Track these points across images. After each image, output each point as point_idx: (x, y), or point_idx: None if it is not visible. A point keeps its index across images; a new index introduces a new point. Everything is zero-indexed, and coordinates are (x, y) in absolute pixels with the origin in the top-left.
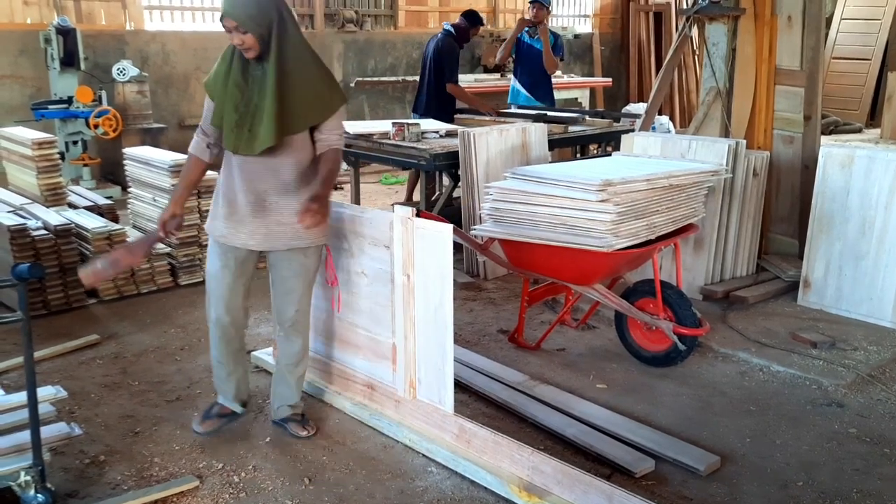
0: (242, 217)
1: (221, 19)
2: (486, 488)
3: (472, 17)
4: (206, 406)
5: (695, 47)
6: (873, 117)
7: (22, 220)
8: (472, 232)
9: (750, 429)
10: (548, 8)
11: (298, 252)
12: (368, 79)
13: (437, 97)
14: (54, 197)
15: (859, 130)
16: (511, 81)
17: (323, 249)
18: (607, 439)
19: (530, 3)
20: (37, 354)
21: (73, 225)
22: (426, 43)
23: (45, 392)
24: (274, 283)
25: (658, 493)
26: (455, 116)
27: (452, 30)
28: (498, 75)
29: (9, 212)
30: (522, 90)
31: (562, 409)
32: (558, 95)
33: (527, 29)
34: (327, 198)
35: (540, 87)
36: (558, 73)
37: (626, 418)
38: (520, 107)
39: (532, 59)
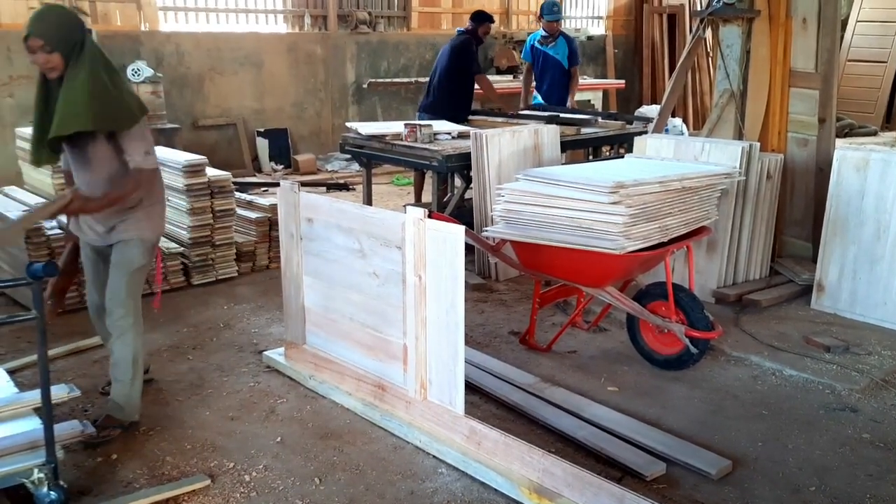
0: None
1: (26, 40)
2: (496, 490)
3: (478, 17)
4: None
5: (709, 49)
6: (889, 120)
7: None
8: (484, 233)
9: (762, 433)
10: (558, 20)
11: (118, 246)
12: (381, 80)
13: (451, 98)
14: None
15: (874, 133)
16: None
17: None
18: (618, 442)
19: (542, 17)
20: (51, 353)
21: None
22: (441, 48)
23: (59, 390)
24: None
25: (669, 496)
26: (468, 118)
27: (465, 32)
28: (511, 76)
29: (24, 211)
30: (537, 95)
31: (573, 411)
32: None
33: (541, 36)
34: (88, 206)
35: (555, 93)
36: None
37: (637, 421)
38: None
39: (547, 67)
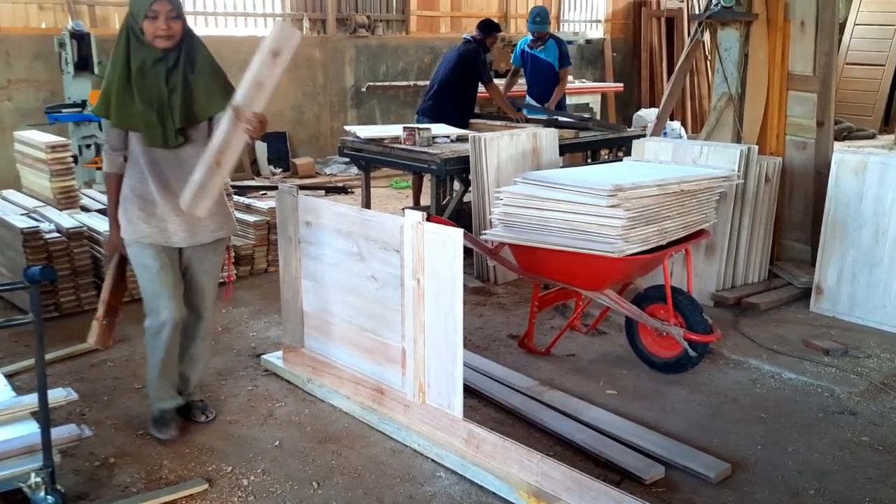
0: (163, 215)
1: (153, 4)
2: (494, 494)
3: (487, 27)
4: (158, 417)
5: (707, 53)
6: (887, 123)
7: (35, 223)
8: (483, 236)
9: (761, 436)
10: (546, 30)
11: (220, 243)
12: (380, 83)
13: (454, 103)
14: (67, 200)
15: (873, 136)
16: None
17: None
18: (617, 445)
19: (529, 31)
20: (48, 356)
21: (85, 228)
22: (445, 53)
23: (56, 394)
24: (194, 276)
25: (668, 500)
26: (469, 122)
27: (473, 41)
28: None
29: (22, 214)
30: (530, 99)
31: (572, 414)
32: (570, 101)
33: (530, 40)
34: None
35: (546, 96)
36: (569, 78)
37: (636, 424)
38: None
39: (538, 70)
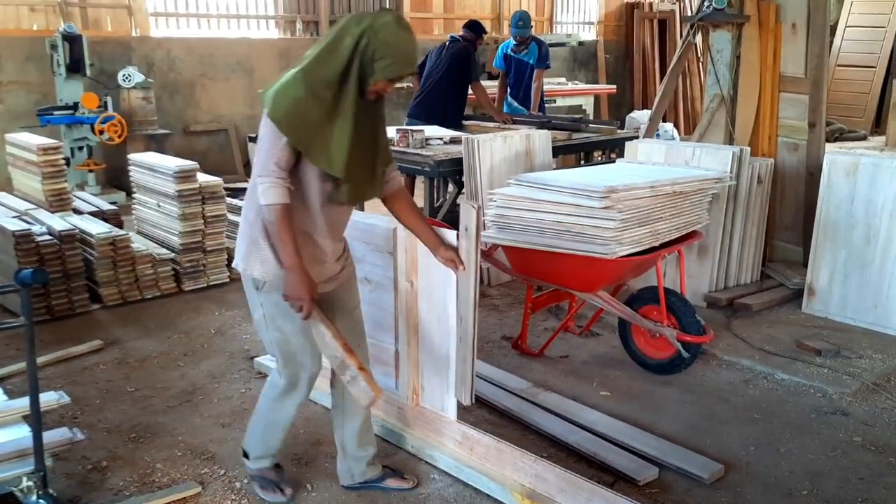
0: (327, 263)
1: (404, 76)
2: (488, 496)
3: (478, 29)
4: (265, 480)
5: (699, 54)
6: (878, 125)
7: (27, 226)
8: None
9: (754, 437)
10: (529, 34)
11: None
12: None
13: (447, 104)
14: (59, 202)
15: (864, 138)
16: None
17: None
18: (611, 447)
19: (512, 36)
20: (40, 360)
21: (77, 230)
22: (430, 51)
23: (48, 397)
24: (344, 319)
25: (661, 501)
26: (462, 123)
27: (460, 39)
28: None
29: (13, 217)
30: (514, 102)
31: (565, 416)
32: (563, 102)
33: (513, 45)
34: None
35: (529, 98)
36: (562, 79)
37: (629, 426)
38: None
39: (520, 72)
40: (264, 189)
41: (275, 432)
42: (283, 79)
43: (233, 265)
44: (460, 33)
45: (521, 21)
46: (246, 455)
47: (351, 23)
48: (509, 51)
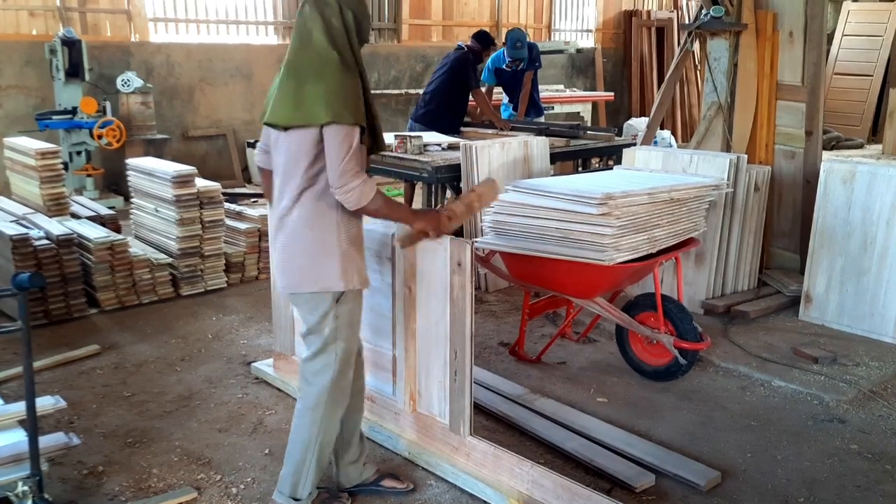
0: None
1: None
2: (485, 502)
3: (484, 40)
4: None
5: (697, 62)
6: (875, 133)
7: (24, 230)
8: (474, 244)
9: (751, 444)
10: (525, 55)
11: None
12: (372, 91)
13: (445, 110)
14: (57, 207)
15: (861, 146)
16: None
17: None
18: (608, 453)
19: (508, 57)
20: (37, 364)
21: (75, 235)
22: (432, 59)
23: (45, 402)
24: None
25: None
26: (461, 129)
27: (466, 49)
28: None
29: (11, 221)
30: (510, 110)
31: (562, 422)
32: (561, 109)
33: (508, 61)
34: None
35: (527, 108)
36: (560, 86)
37: (626, 432)
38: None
39: (516, 82)
40: (360, 193)
41: (327, 451)
42: (304, 88)
43: (292, 290)
44: (468, 42)
45: (520, 42)
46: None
47: (318, 3)
48: (504, 66)
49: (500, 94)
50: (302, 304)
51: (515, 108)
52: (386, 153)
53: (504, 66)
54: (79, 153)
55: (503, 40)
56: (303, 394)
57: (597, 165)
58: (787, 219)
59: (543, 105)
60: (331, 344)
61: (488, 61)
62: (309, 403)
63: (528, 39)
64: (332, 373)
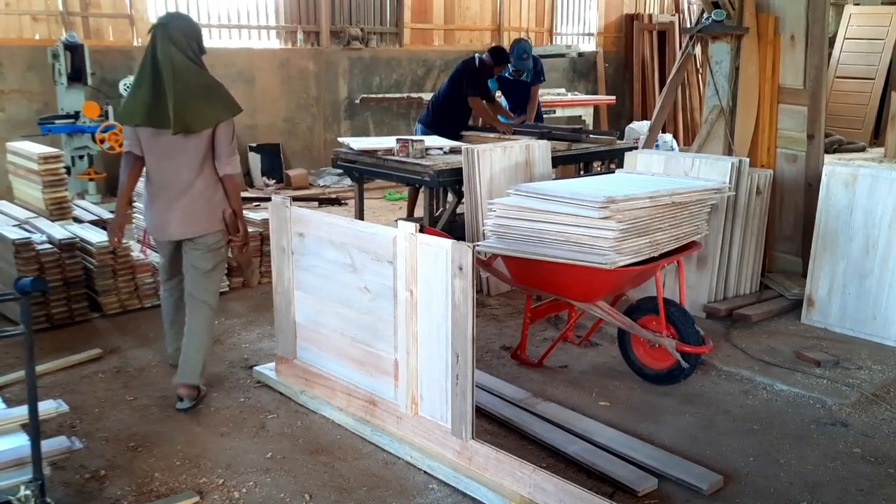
0: None
1: None
2: None
3: (498, 55)
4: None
5: (698, 66)
6: (877, 136)
7: (27, 234)
8: (476, 248)
9: (753, 448)
10: (530, 66)
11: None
12: (373, 95)
13: (446, 116)
14: (59, 211)
15: (863, 149)
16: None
17: None
18: (610, 457)
19: (512, 67)
20: (39, 368)
21: (77, 239)
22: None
23: (47, 406)
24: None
25: None
26: (461, 133)
27: (476, 60)
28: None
29: (14, 225)
30: (512, 117)
31: (564, 426)
32: (562, 113)
33: (510, 71)
34: None
35: (524, 110)
36: (561, 90)
37: (628, 436)
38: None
39: (517, 92)
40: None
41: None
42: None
43: (194, 233)
44: (484, 55)
45: (525, 54)
46: (197, 387)
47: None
48: (507, 74)
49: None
50: (206, 240)
51: (515, 114)
52: (388, 157)
53: (507, 75)
54: (81, 157)
55: (509, 50)
56: (207, 297)
57: (598, 169)
58: (789, 222)
59: (544, 109)
60: (222, 262)
61: None
62: (213, 304)
63: (532, 52)
64: (210, 305)
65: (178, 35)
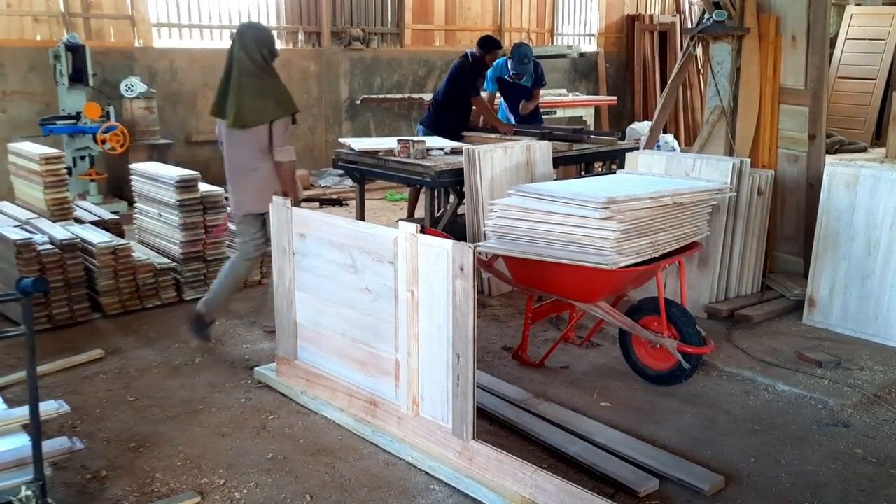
0: None
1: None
2: None
3: (485, 44)
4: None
5: (699, 66)
6: (878, 136)
7: (28, 235)
8: (477, 248)
9: (755, 448)
10: (531, 70)
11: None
12: (374, 96)
13: (445, 117)
14: (61, 212)
15: (864, 149)
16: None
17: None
18: (611, 458)
19: (512, 71)
20: (40, 369)
21: (78, 240)
22: (434, 64)
23: (48, 407)
24: None
25: None
26: (462, 134)
27: (469, 56)
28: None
29: (15, 226)
30: (511, 118)
31: (565, 426)
32: (564, 113)
33: (511, 73)
34: None
35: (527, 116)
36: (562, 91)
37: (629, 437)
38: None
39: (517, 94)
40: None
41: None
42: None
43: (248, 211)
44: (474, 50)
45: (527, 58)
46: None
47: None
48: (507, 77)
49: (498, 100)
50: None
51: (518, 120)
52: (389, 157)
53: (507, 78)
54: (82, 158)
55: (509, 53)
56: (242, 251)
57: (600, 169)
58: (791, 223)
59: (545, 110)
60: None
61: (489, 71)
62: (245, 257)
63: (533, 55)
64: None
65: (250, 42)
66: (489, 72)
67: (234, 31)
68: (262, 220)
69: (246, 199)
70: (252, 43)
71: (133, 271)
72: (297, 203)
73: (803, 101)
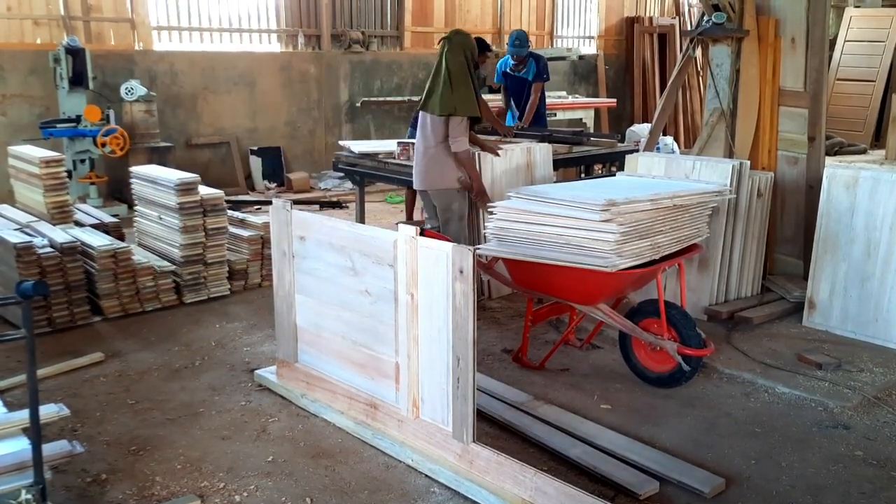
0: None
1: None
2: None
3: (478, 47)
4: None
5: (699, 68)
6: (878, 138)
7: (28, 238)
8: (477, 251)
9: (755, 450)
10: (526, 53)
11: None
12: (374, 99)
13: None
14: (61, 215)
15: (864, 151)
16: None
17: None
18: (611, 460)
19: (509, 53)
20: (41, 372)
21: (78, 243)
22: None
23: (48, 410)
24: None
25: None
26: None
27: None
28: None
29: (15, 229)
30: (514, 119)
31: (566, 429)
32: (563, 116)
33: (513, 63)
34: None
35: (531, 119)
36: (562, 93)
37: (630, 439)
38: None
39: (519, 88)
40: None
41: None
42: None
43: (425, 187)
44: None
45: (518, 41)
46: None
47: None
48: (508, 69)
49: (498, 102)
50: (435, 193)
51: (520, 118)
52: (389, 160)
53: (509, 70)
54: (83, 161)
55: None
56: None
57: (599, 172)
58: (791, 225)
59: (547, 111)
60: (453, 212)
61: (498, 64)
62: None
63: (528, 39)
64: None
65: (457, 47)
66: (498, 65)
67: (444, 35)
68: (431, 198)
69: (427, 178)
70: (459, 48)
71: (133, 274)
72: (476, 192)
73: (803, 103)
